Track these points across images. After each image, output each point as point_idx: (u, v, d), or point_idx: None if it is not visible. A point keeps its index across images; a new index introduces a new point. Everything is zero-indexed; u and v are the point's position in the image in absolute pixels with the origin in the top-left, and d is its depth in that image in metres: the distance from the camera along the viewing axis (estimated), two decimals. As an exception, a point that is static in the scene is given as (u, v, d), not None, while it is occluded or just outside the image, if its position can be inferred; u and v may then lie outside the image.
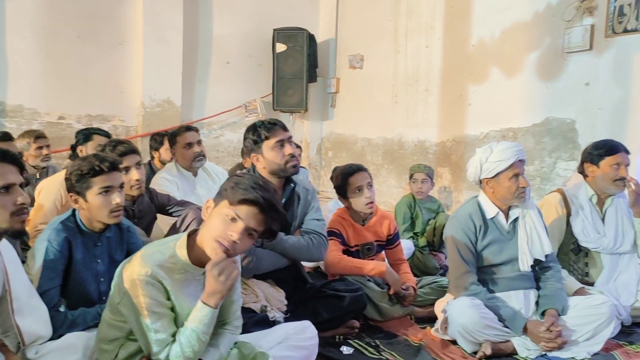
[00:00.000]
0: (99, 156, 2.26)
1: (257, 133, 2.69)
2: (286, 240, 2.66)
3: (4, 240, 1.73)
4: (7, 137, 3.61)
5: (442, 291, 3.15)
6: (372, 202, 3.19)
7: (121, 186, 2.28)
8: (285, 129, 2.73)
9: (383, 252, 3.39)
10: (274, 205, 1.73)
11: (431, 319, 3.00)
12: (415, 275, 3.46)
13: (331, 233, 3.15)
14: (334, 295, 2.78)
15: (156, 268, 1.70)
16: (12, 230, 1.68)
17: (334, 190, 3.34)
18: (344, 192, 3.22)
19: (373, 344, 2.76)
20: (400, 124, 6.43)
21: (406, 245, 3.87)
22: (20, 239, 1.85)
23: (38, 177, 4.29)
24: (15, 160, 1.73)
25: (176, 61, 6.47)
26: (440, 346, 2.72)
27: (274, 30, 6.91)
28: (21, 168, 1.75)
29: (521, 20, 4.98)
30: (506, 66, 5.15)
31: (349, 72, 7.20)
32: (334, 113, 7.52)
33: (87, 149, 3.64)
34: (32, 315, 1.82)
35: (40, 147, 4.18)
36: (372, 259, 3.24)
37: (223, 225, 1.69)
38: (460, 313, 2.61)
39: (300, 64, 6.88)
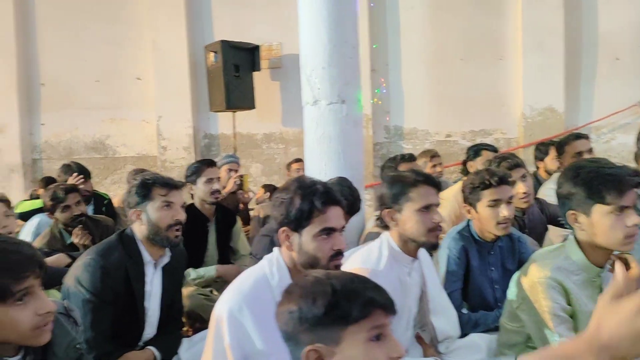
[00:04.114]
0: (490, 171, 2.43)
1: None
2: None
3: (422, 249, 2.04)
4: (412, 158, 4.07)
5: None
6: None
7: (510, 199, 2.38)
8: None
9: None
10: None
11: None
12: None
13: None
14: None
15: (555, 270, 1.72)
16: (429, 243, 1.96)
17: None
18: None
19: None
20: None
21: None
22: (434, 249, 2.16)
23: (436, 192, 4.75)
24: (436, 183, 2.00)
25: (557, 66, 6.27)
26: None
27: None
28: (439, 190, 2.01)
29: None
30: None
31: None
32: None
33: (477, 164, 3.89)
34: (443, 315, 2.10)
35: (435, 165, 4.57)
36: None
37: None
38: None
39: None
